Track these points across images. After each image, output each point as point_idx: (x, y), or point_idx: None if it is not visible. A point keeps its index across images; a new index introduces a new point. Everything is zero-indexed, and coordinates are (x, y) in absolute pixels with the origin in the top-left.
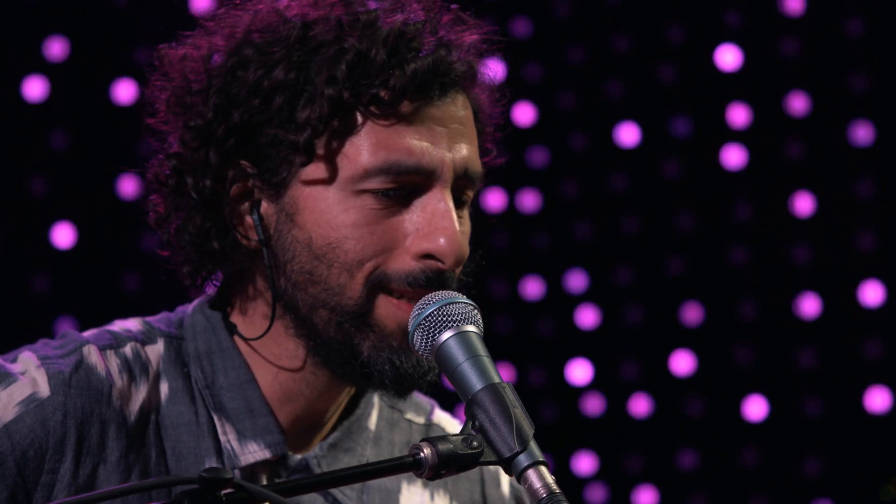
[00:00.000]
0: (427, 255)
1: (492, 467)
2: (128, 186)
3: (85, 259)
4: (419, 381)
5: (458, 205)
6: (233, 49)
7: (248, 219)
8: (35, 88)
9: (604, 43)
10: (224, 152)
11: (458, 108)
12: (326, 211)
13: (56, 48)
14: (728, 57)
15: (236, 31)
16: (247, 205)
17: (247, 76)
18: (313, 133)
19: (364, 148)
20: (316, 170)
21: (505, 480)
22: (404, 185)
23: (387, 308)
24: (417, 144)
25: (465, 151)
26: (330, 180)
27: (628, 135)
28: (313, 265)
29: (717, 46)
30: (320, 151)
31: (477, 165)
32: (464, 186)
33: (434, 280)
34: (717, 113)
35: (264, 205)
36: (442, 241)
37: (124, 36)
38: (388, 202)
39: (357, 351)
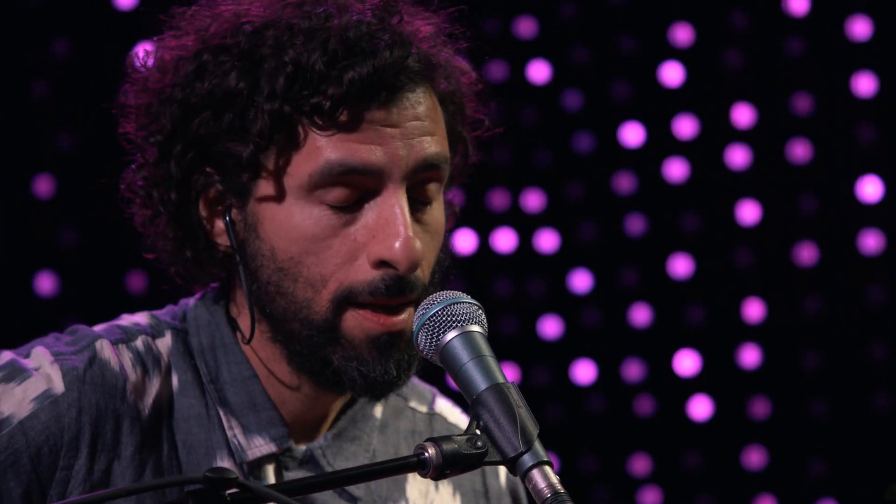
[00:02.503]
0: (383, 262)
1: None
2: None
3: (91, 260)
4: (389, 388)
5: (423, 200)
6: (194, 54)
7: (220, 223)
8: (40, 89)
9: (609, 44)
10: (185, 165)
11: (415, 103)
12: (285, 222)
13: (61, 48)
14: (733, 57)
15: (201, 34)
16: (219, 209)
17: (203, 86)
18: (257, 149)
19: (310, 158)
20: (267, 184)
21: (503, 472)
22: (356, 191)
23: (353, 320)
24: (363, 147)
25: (423, 145)
26: (283, 192)
27: (633, 135)
28: (279, 277)
29: (721, 47)
30: (269, 166)
31: (439, 154)
32: (426, 180)
33: (393, 287)
34: (722, 113)
35: (234, 210)
36: (396, 245)
37: (129, 37)
38: (344, 210)
39: (328, 360)
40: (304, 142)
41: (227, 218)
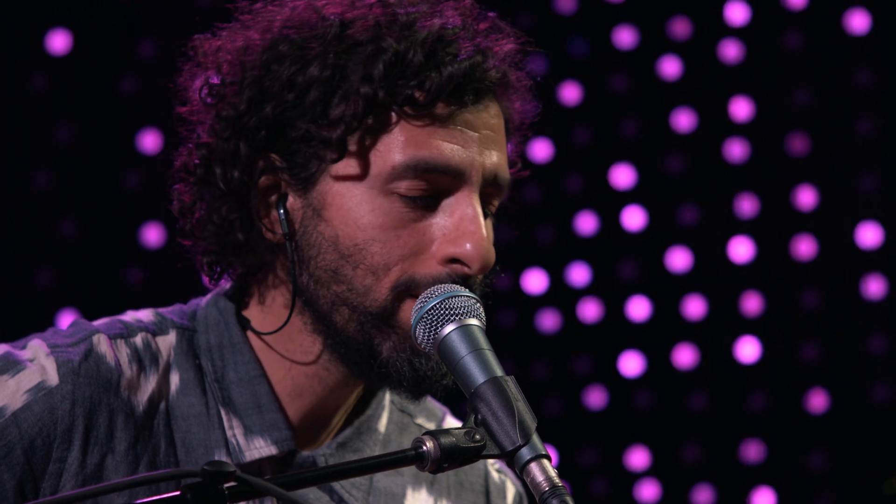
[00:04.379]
0: (453, 260)
1: (497, 479)
2: (131, 180)
3: (88, 252)
4: (436, 384)
5: (484, 214)
6: (268, 44)
7: (274, 212)
8: (38, 82)
9: (607, 37)
10: (254, 144)
11: (491, 115)
12: (354, 209)
13: (59, 41)
14: (731, 51)
15: (273, 25)
16: (274, 198)
17: (281, 71)
18: (347, 130)
19: (395, 146)
20: (346, 166)
21: (510, 493)
22: (432, 188)
23: (412, 311)
24: (448, 146)
25: (494, 158)
26: (360, 177)
27: (631, 129)
28: (339, 264)
29: (720, 40)
30: (352, 148)
31: (505, 173)
32: (491, 195)
33: (460, 285)
34: (721, 107)
35: (291, 199)
36: (468, 245)
37: (128, 29)
38: (416, 205)
39: (376, 351)
40: (392, 131)
41: (283, 208)
